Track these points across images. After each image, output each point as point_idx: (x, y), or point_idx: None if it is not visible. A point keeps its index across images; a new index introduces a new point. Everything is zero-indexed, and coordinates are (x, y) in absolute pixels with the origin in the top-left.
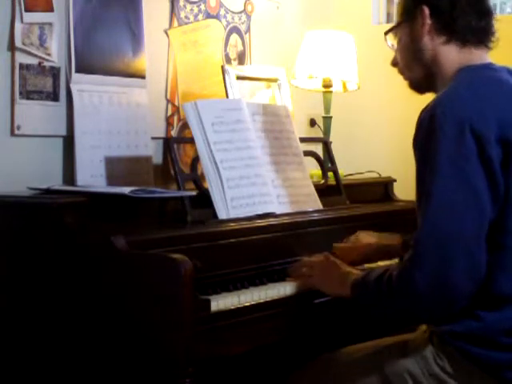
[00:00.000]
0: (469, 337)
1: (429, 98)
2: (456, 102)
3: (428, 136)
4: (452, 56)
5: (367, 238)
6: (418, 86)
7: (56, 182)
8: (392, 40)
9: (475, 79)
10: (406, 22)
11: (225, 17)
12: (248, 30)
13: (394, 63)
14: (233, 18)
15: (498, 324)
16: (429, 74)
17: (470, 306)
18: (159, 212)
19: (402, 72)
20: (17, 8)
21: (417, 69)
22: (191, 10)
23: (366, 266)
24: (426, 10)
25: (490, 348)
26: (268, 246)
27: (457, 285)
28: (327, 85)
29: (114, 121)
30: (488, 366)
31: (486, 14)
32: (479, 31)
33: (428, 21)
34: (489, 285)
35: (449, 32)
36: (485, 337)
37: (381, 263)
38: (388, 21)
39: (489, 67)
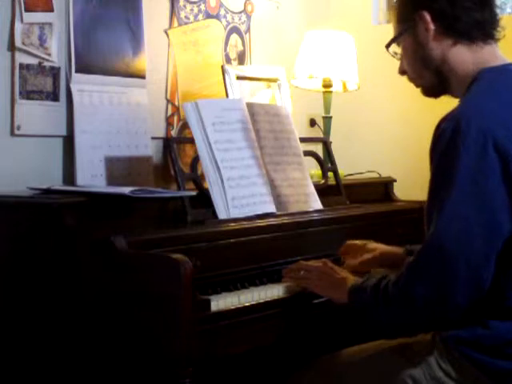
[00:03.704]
0: (474, 343)
1: (431, 99)
2: (480, 114)
3: (448, 148)
4: (463, 56)
5: (374, 244)
6: (433, 92)
7: (56, 182)
8: (395, 49)
9: (499, 85)
10: (407, 31)
11: (225, 17)
12: (248, 30)
13: (402, 71)
14: (233, 18)
15: (506, 334)
16: (442, 78)
17: (478, 315)
18: (159, 212)
19: (412, 80)
20: (17, 8)
21: (428, 75)
22: (191, 9)
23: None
24: (427, 15)
25: (496, 356)
26: (268, 246)
27: (455, 300)
28: (327, 85)
29: (114, 121)
30: (493, 372)
31: (487, 2)
32: (485, 24)
33: (431, 26)
34: (501, 298)
35: (455, 33)
36: (491, 345)
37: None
38: (388, 21)
39: (510, 68)
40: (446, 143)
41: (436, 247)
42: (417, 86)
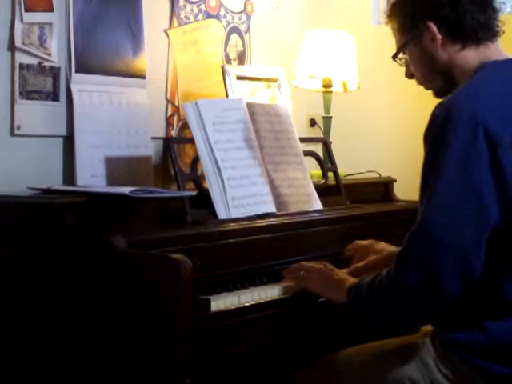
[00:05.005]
0: (472, 347)
1: (429, 98)
2: (473, 103)
3: (440, 135)
4: (470, 57)
5: (381, 245)
6: (444, 93)
7: (56, 182)
8: (400, 55)
9: (496, 75)
10: (412, 40)
11: (225, 17)
12: (248, 30)
13: (410, 75)
14: (233, 18)
15: (503, 337)
16: (450, 79)
17: (475, 315)
18: (159, 212)
19: (421, 83)
20: (17, 8)
21: (437, 79)
22: (191, 9)
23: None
24: (433, 26)
25: (494, 361)
26: (268, 246)
27: (445, 288)
28: (327, 85)
29: (114, 121)
30: (491, 377)
31: (488, 1)
32: (489, 24)
33: (438, 35)
34: (496, 293)
35: (462, 38)
36: (488, 349)
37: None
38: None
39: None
40: (437, 130)
41: (424, 235)
42: (426, 88)
